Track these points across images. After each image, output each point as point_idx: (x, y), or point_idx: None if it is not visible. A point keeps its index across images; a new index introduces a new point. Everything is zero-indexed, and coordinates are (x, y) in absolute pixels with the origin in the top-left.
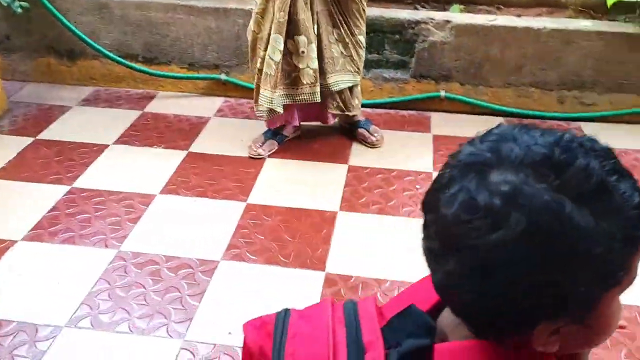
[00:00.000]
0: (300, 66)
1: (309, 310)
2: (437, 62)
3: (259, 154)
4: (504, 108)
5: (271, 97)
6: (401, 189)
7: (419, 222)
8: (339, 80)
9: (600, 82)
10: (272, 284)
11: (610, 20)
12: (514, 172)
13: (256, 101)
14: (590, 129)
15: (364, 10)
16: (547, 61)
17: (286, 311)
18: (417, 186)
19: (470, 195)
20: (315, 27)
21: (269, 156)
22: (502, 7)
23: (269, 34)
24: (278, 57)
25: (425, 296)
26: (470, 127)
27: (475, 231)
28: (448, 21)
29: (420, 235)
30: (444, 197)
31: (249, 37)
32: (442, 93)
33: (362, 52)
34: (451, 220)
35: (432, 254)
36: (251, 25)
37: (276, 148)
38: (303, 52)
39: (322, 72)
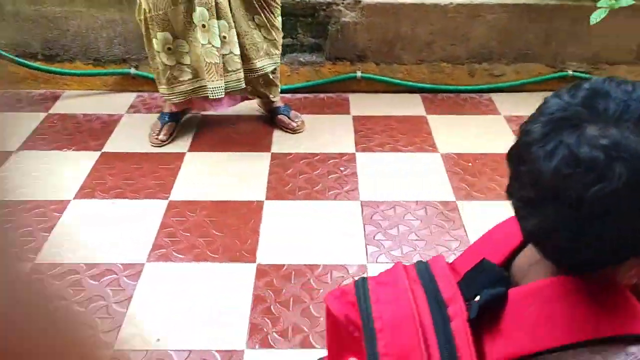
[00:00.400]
0: (224, 52)
1: (383, 276)
2: (351, 43)
3: (162, 141)
4: (419, 84)
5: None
6: (326, 173)
7: (346, 204)
8: (265, 64)
9: (507, 53)
10: (203, 281)
11: None
12: (613, 127)
13: (167, 84)
14: (499, 99)
15: None
16: (456, 36)
17: (363, 279)
18: (342, 168)
19: (571, 149)
20: (230, 13)
21: (189, 150)
22: None
23: (165, 13)
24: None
25: (494, 249)
26: (388, 105)
27: (578, 183)
28: (358, 1)
29: (509, 182)
30: (541, 150)
31: (140, 19)
32: (359, 73)
33: (281, 35)
34: (552, 174)
35: (525, 202)
36: (142, 3)
37: (175, 131)
38: (225, 37)
39: (245, 59)
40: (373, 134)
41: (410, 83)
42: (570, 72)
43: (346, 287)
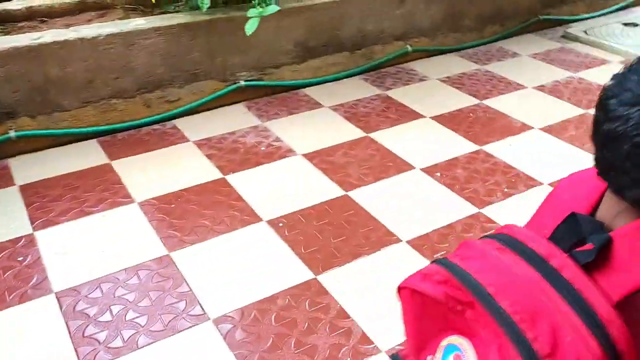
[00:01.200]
0: None
1: (463, 252)
2: None
3: None
4: (91, 129)
5: None
6: (0, 271)
7: (38, 303)
8: None
9: (177, 76)
10: None
11: (162, 13)
12: None
13: None
14: (184, 125)
15: None
16: (117, 68)
17: (444, 259)
18: (20, 258)
19: None
20: None
21: None
22: (46, 19)
23: None
24: None
25: (570, 210)
26: (61, 161)
27: None
28: None
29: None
30: None
31: None
32: (12, 133)
33: None
34: None
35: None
36: None
37: None
38: None
39: None
40: (51, 202)
41: (81, 129)
42: (242, 83)
43: (424, 270)
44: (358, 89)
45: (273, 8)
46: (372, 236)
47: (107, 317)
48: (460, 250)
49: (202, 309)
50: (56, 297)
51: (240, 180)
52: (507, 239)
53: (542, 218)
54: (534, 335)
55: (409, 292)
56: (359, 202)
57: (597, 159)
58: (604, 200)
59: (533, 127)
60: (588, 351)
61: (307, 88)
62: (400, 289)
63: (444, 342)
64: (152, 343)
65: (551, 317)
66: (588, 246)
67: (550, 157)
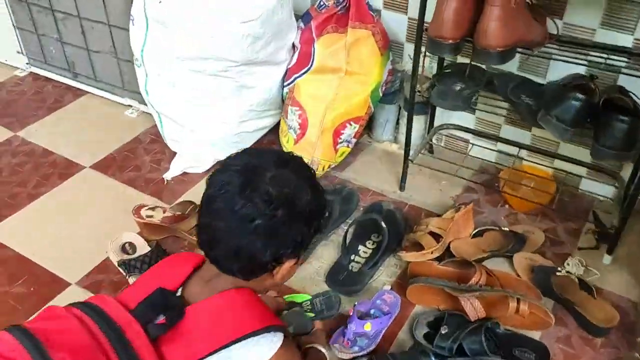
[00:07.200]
0: None
1: (41, 320)
2: None
3: None
4: None
5: None
6: None
7: None
8: None
9: None
10: None
11: None
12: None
13: None
14: None
15: None
16: None
17: (16, 328)
18: None
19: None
20: None
21: None
22: None
23: None
24: None
25: (165, 280)
26: None
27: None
28: None
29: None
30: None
31: None
32: None
33: None
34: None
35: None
36: None
37: None
38: None
39: None
40: None
41: None
42: None
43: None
44: None
45: None
46: None
47: None
48: (42, 314)
49: None
50: None
51: None
52: (88, 308)
53: (142, 286)
54: None
55: None
56: None
57: (199, 234)
58: (195, 276)
59: None
60: None
61: None
62: None
63: None
64: None
65: None
66: (162, 320)
67: None
